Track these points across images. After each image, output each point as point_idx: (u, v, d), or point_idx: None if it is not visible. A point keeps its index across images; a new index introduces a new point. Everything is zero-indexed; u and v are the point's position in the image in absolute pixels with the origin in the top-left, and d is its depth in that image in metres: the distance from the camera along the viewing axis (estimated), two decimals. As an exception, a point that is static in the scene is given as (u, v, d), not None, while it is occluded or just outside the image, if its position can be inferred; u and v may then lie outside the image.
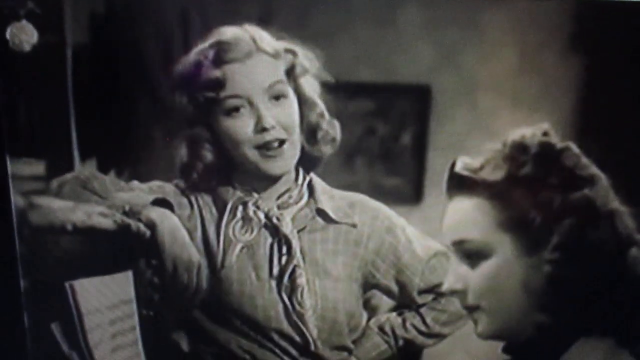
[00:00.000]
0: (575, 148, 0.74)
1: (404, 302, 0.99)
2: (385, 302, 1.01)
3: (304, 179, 0.96)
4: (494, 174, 0.74)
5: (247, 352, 0.96)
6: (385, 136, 0.96)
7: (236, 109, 0.90)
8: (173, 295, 0.95)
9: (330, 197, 0.97)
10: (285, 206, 0.96)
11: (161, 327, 0.97)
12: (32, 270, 0.95)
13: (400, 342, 0.99)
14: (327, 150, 0.95)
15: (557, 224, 0.71)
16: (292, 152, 0.93)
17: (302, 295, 0.94)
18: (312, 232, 0.96)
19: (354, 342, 0.99)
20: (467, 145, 0.93)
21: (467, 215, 0.75)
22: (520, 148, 0.74)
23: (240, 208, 0.95)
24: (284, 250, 0.95)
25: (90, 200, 0.92)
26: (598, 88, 0.91)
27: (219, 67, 0.89)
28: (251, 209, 0.95)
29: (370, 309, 1.01)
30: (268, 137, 0.91)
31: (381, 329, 0.99)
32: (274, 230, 0.95)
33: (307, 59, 0.91)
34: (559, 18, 0.89)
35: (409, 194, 0.97)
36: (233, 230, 0.95)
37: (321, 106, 0.93)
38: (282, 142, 0.92)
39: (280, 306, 0.95)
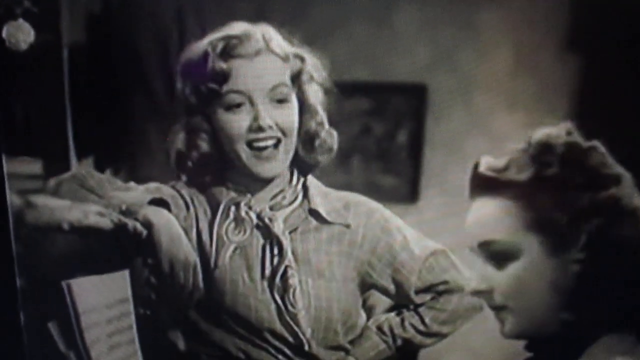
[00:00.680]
0: (600, 147, 0.74)
1: (402, 302, 0.99)
2: (383, 301, 1.01)
3: (299, 180, 0.96)
4: (519, 175, 0.73)
5: (242, 352, 0.96)
6: (382, 135, 0.96)
7: (237, 105, 0.90)
8: (170, 295, 0.95)
9: (325, 198, 0.96)
10: (278, 207, 0.96)
11: (158, 326, 0.97)
12: (28, 269, 0.95)
13: (399, 342, 0.99)
14: (323, 159, 0.95)
15: (584, 224, 0.71)
16: (284, 156, 0.93)
17: (294, 296, 0.94)
18: (305, 232, 0.95)
19: (352, 341, 0.99)
20: (463, 144, 0.93)
21: (492, 216, 0.75)
22: (546, 148, 0.73)
23: (233, 209, 0.95)
24: (276, 251, 0.95)
25: (87, 200, 0.92)
26: (594, 88, 0.91)
27: (225, 61, 0.89)
28: (243, 209, 0.95)
29: (367, 309, 1.01)
30: (262, 136, 0.91)
31: (379, 328, 0.99)
32: (266, 231, 0.95)
33: (314, 67, 0.91)
34: (555, 18, 0.89)
35: (405, 192, 0.97)
36: (226, 230, 0.95)
37: (322, 115, 0.93)
38: (277, 143, 0.92)
39: (273, 306, 0.95)
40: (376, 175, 0.97)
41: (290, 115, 0.92)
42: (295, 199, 0.96)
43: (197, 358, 0.97)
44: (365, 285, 0.98)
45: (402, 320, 0.99)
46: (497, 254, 0.75)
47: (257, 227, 0.95)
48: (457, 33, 0.90)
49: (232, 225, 0.95)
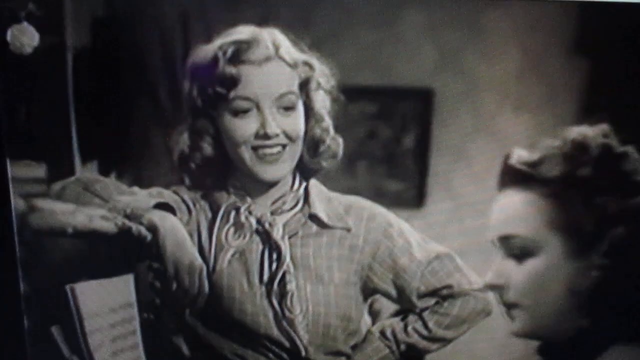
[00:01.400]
0: (634, 153, 0.73)
1: (406, 306, 0.98)
2: (389, 306, 1.00)
3: (300, 185, 0.96)
4: (551, 171, 0.72)
5: (239, 357, 0.96)
6: (388, 139, 0.96)
7: (244, 111, 0.90)
8: (174, 299, 0.95)
9: (326, 201, 0.96)
10: (278, 212, 0.95)
11: (162, 331, 0.97)
12: (32, 273, 0.95)
13: (402, 347, 0.98)
14: (326, 164, 0.95)
15: (609, 230, 0.70)
16: (289, 161, 0.93)
17: (291, 302, 0.94)
18: (305, 237, 0.95)
19: (354, 346, 0.98)
20: (469, 148, 0.93)
21: (517, 210, 0.74)
22: (581, 148, 0.72)
23: (233, 213, 0.95)
24: (275, 256, 0.94)
25: (92, 204, 0.92)
26: (601, 91, 0.90)
27: (235, 66, 0.88)
28: (243, 214, 0.95)
29: (373, 313, 1.00)
30: (269, 143, 0.91)
31: (382, 333, 0.99)
32: (265, 236, 0.95)
33: (323, 75, 0.91)
34: (562, 20, 0.88)
35: (411, 197, 0.97)
36: (225, 235, 0.95)
37: (328, 121, 0.93)
38: (284, 147, 0.91)
39: (271, 312, 0.94)
40: (382, 179, 0.97)
41: (297, 123, 0.92)
42: (297, 203, 0.96)
43: (199, 363, 0.97)
44: (368, 290, 0.98)
45: (406, 325, 0.98)
46: (517, 249, 0.74)
47: (257, 231, 0.95)
48: (464, 37, 0.90)
49: (232, 229, 0.95)
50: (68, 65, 0.90)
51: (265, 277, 0.94)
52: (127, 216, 0.92)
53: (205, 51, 0.89)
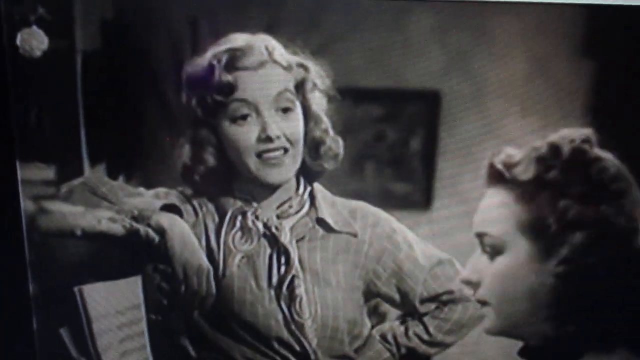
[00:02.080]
0: (608, 161, 0.72)
1: (408, 311, 0.99)
2: (394, 309, 1.00)
3: (305, 188, 0.96)
4: (524, 173, 0.72)
5: (248, 360, 0.96)
6: (395, 142, 0.96)
7: (243, 117, 0.90)
8: (182, 300, 0.95)
9: (331, 206, 0.96)
10: (285, 216, 0.95)
11: (169, 333, 0.97)
12: (41, 275, 0.95)
13: (403, 351, 0.99)
14: (328, 165, 0.95)
15: (568, 236, 0.70)
16: (292, 164, 0.93)
17: (300, 305, 0.94)
18: (312, 241, 0.95)
19: (356, 350, 0.98)
20: (477, 151, 0.93)
21: (493, 210, 0.74)
22: (553, 151, 0.72)
23: (239, 218, 0.95)
24: (283, 260, 0.95)
25: (100, 206, 0.93)
26: (609, 94, 0.90)
27: (230, 73, 0.89)
28: (250, 218, 0.95)
29: (379, 316, 1.00)
30: (272, 146, 0.91)
31: (384, 337, 0.99)
32: (273, 240, 0.95)
33: (318, 75, 0.91)
34: (569, 24, 0.88)
35: (418, 200, 0.97)
36: (233, 239, 0.95)
37: (326, 122, 0.93)
38: (285, 151, 0.92)
39: (280, 316, 0.95)
40: (389, 182, 0.97)
41: (296, 125, 0.92)
42: (302, 207, 0.96)
43: (207, 365, 0.97)
44: (370, 294, 0.98)
45: (406, 329, 0.99)
46: (489, 247, 0.74)
47: (264, 236, 0.95)
48: (471, 40, 0.90)
49: (239, 234, 0.95)
50: (77, 69, 0.90)
51: (274, 280, 0.95)
52: (134, 218, 0.92)
53: (199, 62, 0.90)
